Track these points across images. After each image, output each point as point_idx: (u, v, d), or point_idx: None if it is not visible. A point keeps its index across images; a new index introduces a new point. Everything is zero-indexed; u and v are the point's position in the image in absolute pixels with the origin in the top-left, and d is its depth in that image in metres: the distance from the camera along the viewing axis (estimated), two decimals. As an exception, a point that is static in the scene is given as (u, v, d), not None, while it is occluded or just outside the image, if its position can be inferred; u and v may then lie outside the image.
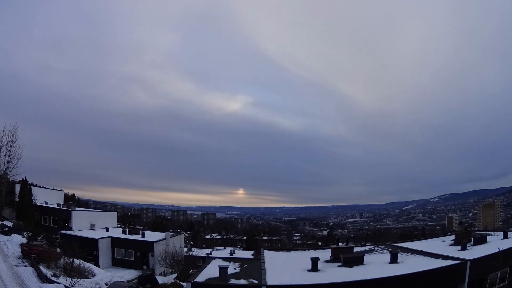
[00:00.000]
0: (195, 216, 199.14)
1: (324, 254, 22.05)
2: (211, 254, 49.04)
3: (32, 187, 41.88)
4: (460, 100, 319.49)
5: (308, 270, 18.29)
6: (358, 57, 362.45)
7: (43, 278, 21.02)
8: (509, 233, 23.59)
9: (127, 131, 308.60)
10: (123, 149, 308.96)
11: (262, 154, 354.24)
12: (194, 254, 41.06)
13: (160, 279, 29.03)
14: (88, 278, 25.01)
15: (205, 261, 29.09)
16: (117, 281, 24.21)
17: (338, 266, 19.36)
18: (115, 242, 37.82)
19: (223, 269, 17.17)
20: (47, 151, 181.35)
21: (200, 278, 17.12)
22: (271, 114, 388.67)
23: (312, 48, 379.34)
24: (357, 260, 19.54)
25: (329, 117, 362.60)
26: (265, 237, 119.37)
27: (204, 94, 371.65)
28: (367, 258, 20.21)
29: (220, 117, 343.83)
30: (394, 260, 18.97)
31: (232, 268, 19.67)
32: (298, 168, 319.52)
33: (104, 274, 28.08)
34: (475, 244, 21.40)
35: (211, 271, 18.24)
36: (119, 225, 57.72)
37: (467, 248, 20.61)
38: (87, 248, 33.71)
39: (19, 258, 24.50)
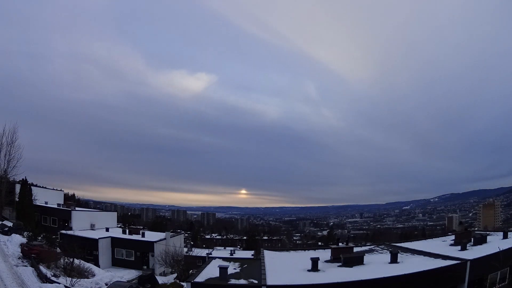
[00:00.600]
0: (195, 216, 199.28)
1: (324, 254, 22.05)
2: (211, 254, 49.04)
3: (32, 187, 41.90)
4: (478, 81, 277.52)
5: (308, 270, 18.29)
6: (348, 24, 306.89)
7: (43, 278, 21.01)
8: (509, 233, 23.57)
9: (111, 124, 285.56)
10: (122, 148, 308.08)
11: (243, 148, 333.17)
12: (194, 254, 41.06)
13: (160, 279, 29.03)
14: (88, 278, 25.02)
15: (205, 261, 29.11)
16: (117, 281, 24.20)
17: (338, 266, 19.35)
18: (115, 242, 37.84)
19: (223, 269, 17.17)
20: (46, 151, 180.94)
21: (200, 278, 17.11)
22: (241, 95, 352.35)
23: (286, 10, 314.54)
24: (357, 260, 19.54)
25: (311, 99, 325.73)
26: (265, 237, 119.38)
27: (158, 72, 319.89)
28: (367, 258, 20.21)
29: (187, 101, 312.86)
30: (394, 260, 18.97)
31: (232, 268, 19.66)
32: (292, 165, 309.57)
33: (104, 274, 28.11)
34: (475, 244, 21.40)
35: (211, 271, 18.23)
36: (119, 225, 57.71)
37: (467, 248, 20.60)
38: (87, 248, 33.65)
39: (19, 258, 24.50)
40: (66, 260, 26.23)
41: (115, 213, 60.35)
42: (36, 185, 46.92)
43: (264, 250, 24.79)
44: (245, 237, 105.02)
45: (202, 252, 46.35)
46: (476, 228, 68.66)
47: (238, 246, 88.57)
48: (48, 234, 33.81)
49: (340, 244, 23.51)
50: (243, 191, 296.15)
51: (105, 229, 42.52)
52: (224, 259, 24.29)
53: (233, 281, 16.80)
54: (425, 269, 16.19)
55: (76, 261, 26.45)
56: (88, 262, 29.75)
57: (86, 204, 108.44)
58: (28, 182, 41.60)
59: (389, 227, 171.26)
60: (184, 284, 22.00)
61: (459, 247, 20.74)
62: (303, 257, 21.45)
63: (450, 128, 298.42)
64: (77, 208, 47.83)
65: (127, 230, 45.86)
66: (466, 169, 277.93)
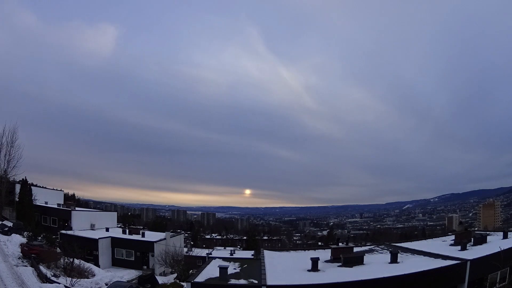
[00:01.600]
0: (195, 216, 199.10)
1: (324, 254, 22.05)
2: (211, 254, 49.03)
3: (32, 187, 41.95)
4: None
5: (308, 270, 18.28)
6: None
7: (43, 278, 21.01)
8: (509, 233, 23.56)
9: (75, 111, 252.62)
10: (122, 149, 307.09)
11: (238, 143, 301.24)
12: (194, 254, 41.11)
13: (160, 279, 29.03)
14: (88, 278, 25.03)
15: (205, 261, 29.12)
16: (117, 281, 24.20)
17: (338, 266, 19.35)
18: (115, 242, 37.83)
19: (223, 269, 17.15)
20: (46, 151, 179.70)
21: (200, 278, 17.10)
22: (161, 48, 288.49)
23: None
24: (357, 260, 19.54)
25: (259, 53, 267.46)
26: (265, 237, 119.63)
27: (51, 26, 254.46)
28: (367, 258, 20.20)
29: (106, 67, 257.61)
30: (394, 260, 18.96)
31: (232, 268, 19.65)
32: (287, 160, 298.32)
33: (104, 274, 28.11)
34: (475, 244, 21.37)
35: (211, 271, 18.22)
36: (119, 225, 57.72)
37: (467, 248, 20.58)
38: (87, 248, 33.72)
39: (19, 258, 24.52)
40: (66, 260, 26.25)
41: (115, 213, 60.34)
42: (36, 185, 46.99)
43: (264, 250, 24.79)
44: (245, 237, 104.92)
45: (202, 252, 46.38)
46: (476, 228, 68.79)
47: (238, 246, 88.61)
48: (48, 234, 33.80)
49: (340, 244, 23.53)
50: (243, 191, 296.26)
51: (105, 229, 42.52)
52: (224, 259, 24.30)
53: (233, 281, 16.78)
54: (425, 269, 16.17)
55: (76, 261, 26.45)
56: (88, 262, 29.76)
57: (86, 204, 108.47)
58: (28, 182, 41.67)
59: (389, 227, 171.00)
60: (184, 284, 22.00)
61: (459, 247, 20.72)
62: (303, 257, 21.45)
63: (466, 112, 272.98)
64: (77, 208, 47.84)
65: (127, 230, 45.86)
66: (466, 169, 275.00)
